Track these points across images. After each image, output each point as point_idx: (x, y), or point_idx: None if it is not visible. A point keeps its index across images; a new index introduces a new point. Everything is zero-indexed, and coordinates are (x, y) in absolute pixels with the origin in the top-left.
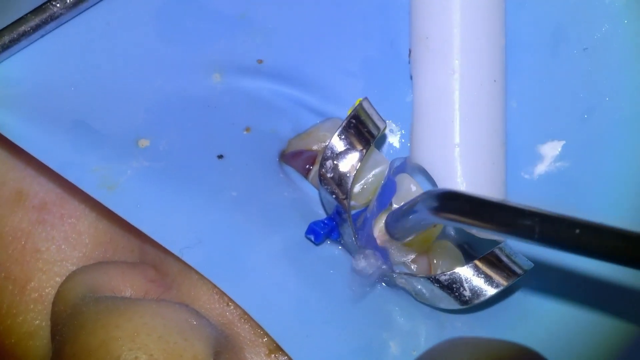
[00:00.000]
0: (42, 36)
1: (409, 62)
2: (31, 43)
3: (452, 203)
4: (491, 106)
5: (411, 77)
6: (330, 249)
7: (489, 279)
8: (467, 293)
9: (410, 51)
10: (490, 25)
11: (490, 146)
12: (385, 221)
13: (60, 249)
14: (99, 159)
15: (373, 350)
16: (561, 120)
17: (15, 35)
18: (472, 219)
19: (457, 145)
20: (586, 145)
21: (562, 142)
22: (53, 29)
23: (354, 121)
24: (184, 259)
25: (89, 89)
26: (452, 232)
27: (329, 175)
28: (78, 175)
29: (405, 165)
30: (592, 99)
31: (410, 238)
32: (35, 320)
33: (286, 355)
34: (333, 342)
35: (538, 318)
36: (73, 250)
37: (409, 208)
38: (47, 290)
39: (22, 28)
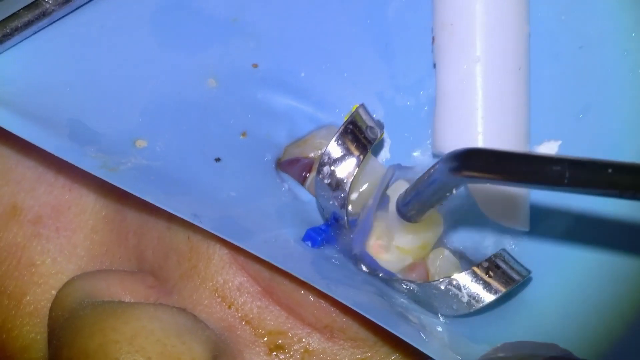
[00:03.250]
0: (35, 32)
1: (432, 50)
2: (24, 39)
3: (476, 160)
4: (515, 94)
5: (434, 65)
6: (327, 254)
7: (487, 286)
8: (465, 299)
9: (433, 39)
10: (515, 12)
11: (514, 134)
12: (397, 202)
13: (55, 261)
14: (98, 151)
15: None
16: (557, 119)
17: (7, 31)
18: (499, 174)
19: (480, 133)
20: (582, 145)
21: (559, 142)
22: (46, 26)
23: (350, 127)
24: (197, 222)
25: (84, 88)
26: (446, 241)
27: (326, 181)
28: (77, 158)
29: (401, 173)
30: (588, 98)
31: (424, 216)
32: (30, 334)
33: (287, 352)
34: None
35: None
36: (68, 263)
37: (427, 176)
38: (42, 304)
39: (14, 24)
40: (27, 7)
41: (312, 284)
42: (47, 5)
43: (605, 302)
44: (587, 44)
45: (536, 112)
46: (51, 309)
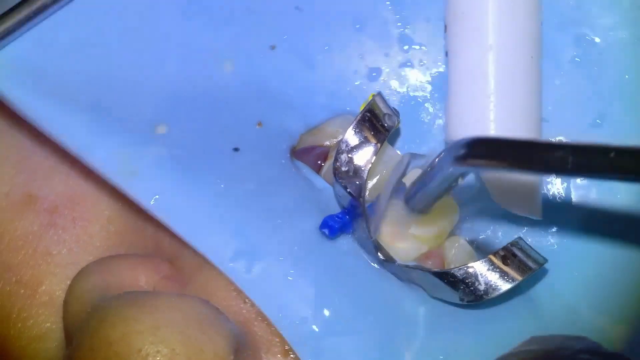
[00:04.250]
0: (53, 13)
1: (444, 38)
2: (43, 20)
3: (480, 148)
4: (528, 82)
5: (446, 54)
6: (344, 243)
7: (503, 274)
8: (482, 287)
9: (445, 27)
10: (527, 0)
11: (526, 123)
12: (405, 195)
13: (71, 251)
14: (118, 143)
15: (390, 345)
16: (573, 126)
17: (26, 14)
18: (503, 161)
19: (492, 121)
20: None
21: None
22: (62, 7)
23: (368, 115)
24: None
25: (105, 73)
26: (462, 230)
27: (343, 169)
28: (99, 158)
29: (416, 161)
30: (603, 104)
31: (432, 206)
32: (45, 323)
33: None
34: (349, 337)
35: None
36: (84, 253)
37: (433, 165)
38: (57, 294)
39: (34, 6)
40: None
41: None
42: None
43: (627, 292)
44: (604, 50)
45: (553, 119)
46: (66, 303)
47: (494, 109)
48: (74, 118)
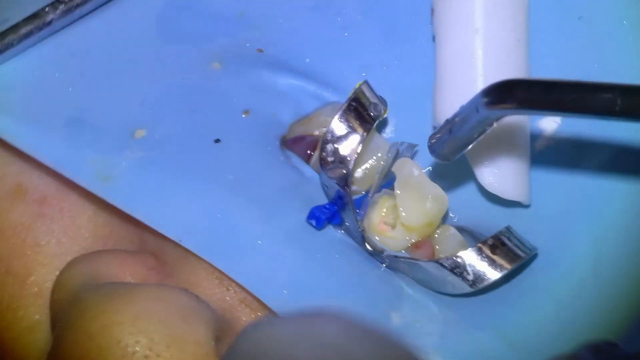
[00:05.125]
0: (36, 43)
1: (431, 23)
2: (26, 49)
3: (522, 90)
4: (515, 65)
5: (434, 38)
6: (331, 233)
7: (492, 263)
8: (470, 277)
9: (432, 10)
10: None
11: None
12: (430, 140)
13: (60, 242)
14: (94, 152)
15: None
16: None
17: (7, 41)
18: (547, 102)
19: None
20: (583, 122)
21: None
22: (47, 36)
23: (354, 104)
24: (182, 244)
25: (85, 84)
26: (453, 219)
27: (329, 159)
28: (72, 169)
29: (405, 150)
30: (589, 68)
31: (458, 154)
32: (35, 315)
33: None
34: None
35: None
36: (73, 244)
37: (469, 107)
38: (46, 285)
39: (16, 34)
40: (28, 18)
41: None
42: (48, 16)
43: (622, 283)
44: (586, 15)
45: None
46: (52, 292)
47: None
48: (50, 134)
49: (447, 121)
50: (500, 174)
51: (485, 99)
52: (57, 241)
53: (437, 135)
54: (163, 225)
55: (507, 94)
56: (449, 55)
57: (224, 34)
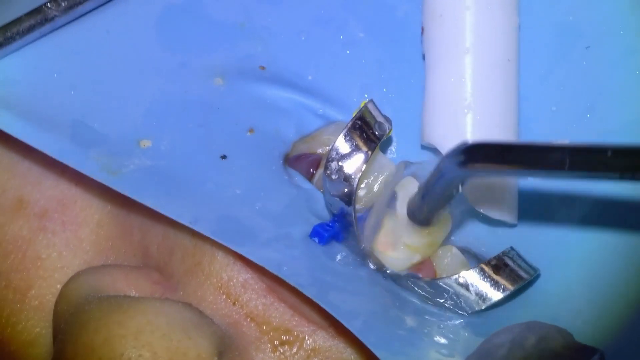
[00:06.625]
0: (38, 38)
1: (422, 42)
2: (27, 44)
3: (480, 152)
4: (504, 85)
5: (423, 57)
6: (332, 253)
7: (495, 283)
8: (472, 297)
9: (422, 29)
10: (504, 4)
11: (502, 125)
12: (407, 207)
13: (61, 255)
14: (100, 151)
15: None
16: (563, 119)
17: (9, 34)
18: (502, 164)
19: (468, 124)
20: None
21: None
22: (48, 32)
23: (359, 122)
24: (196, 228)
25: (89, 89)
26: (455, 239)
27: (333, 177)
28: (78, 161)
29: (409, 169)
30: (594, 98)
31: (435, 218)
32: (35, 328)
33: (293, 349)
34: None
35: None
36: (74, 257)
37: (434, 174)
38: (47, 298)
39: (16, 28)
40: (30, 13)
41: (302, 291)
42: (50, 11)
43: (617, 293)
44: (593, 44)
45: (542, 111)
46: (56, 304)
47: (470, 112)
48: (55, 132)
49: (419, 188)
50: (489, 193)
51: (453, 161)
52: (58, 255)
53: (414, 201)
54: (174, 211)
55: (471, 156)
56: (439, 74)
57: (225, 44)
